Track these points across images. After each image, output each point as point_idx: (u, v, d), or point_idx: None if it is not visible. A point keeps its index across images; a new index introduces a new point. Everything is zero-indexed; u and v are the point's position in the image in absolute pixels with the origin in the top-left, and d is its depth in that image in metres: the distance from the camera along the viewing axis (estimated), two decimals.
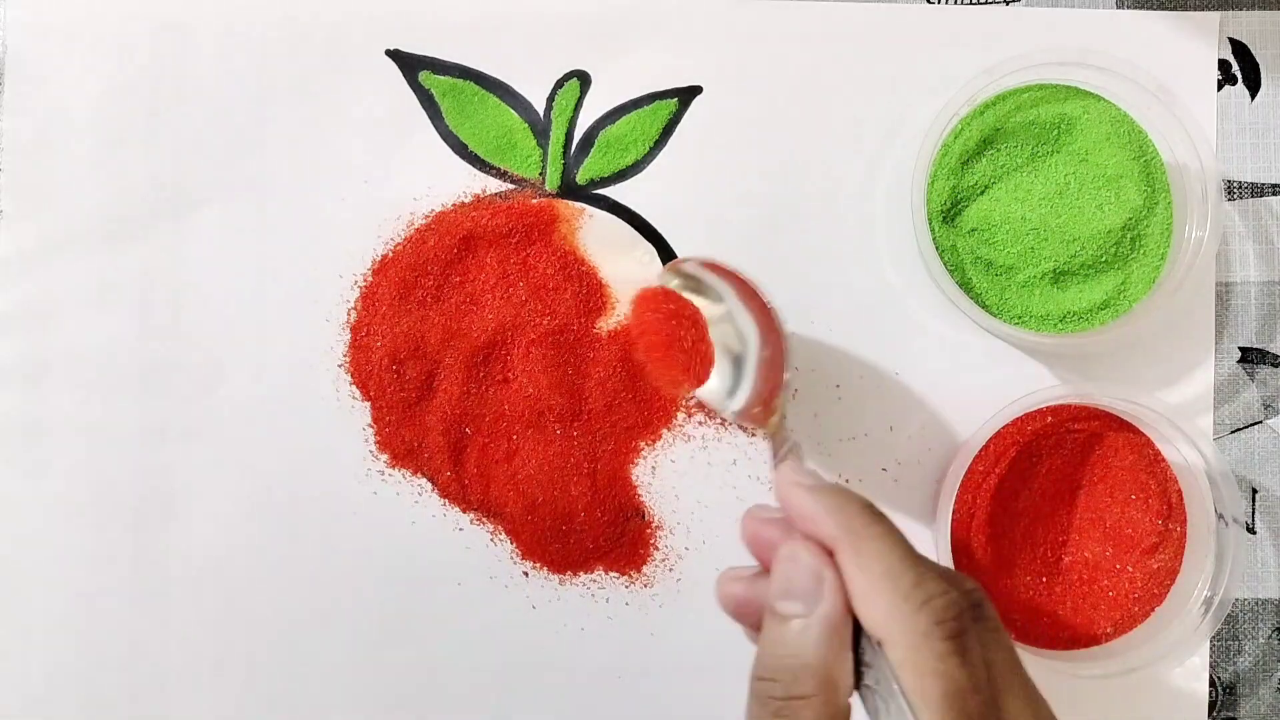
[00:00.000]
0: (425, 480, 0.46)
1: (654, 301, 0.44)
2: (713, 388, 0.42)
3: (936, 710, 0.27)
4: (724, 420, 0.45)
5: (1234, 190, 0.47)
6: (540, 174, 0.46)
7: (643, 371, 0.45)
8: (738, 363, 0.42)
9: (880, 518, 0.31)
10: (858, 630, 0.30)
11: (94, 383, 0.46)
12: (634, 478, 0.46)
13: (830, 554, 0.31)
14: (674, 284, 0.44)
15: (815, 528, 0.31)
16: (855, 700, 0.30)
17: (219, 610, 0.46)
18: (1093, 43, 0.46)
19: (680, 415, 0.46)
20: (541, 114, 0.46)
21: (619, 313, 0.46)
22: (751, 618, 0.33)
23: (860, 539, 0.30)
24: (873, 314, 0.46)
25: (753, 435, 0.46)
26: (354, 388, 0.46)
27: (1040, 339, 0.44)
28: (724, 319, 0.42)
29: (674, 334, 0.43)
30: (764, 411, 0.40)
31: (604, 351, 0.46)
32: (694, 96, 0.47)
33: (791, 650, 0.30)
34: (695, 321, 0.43)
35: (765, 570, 0.33)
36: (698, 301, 0.43)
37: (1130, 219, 0.44)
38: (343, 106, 0.46)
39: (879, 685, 0.29)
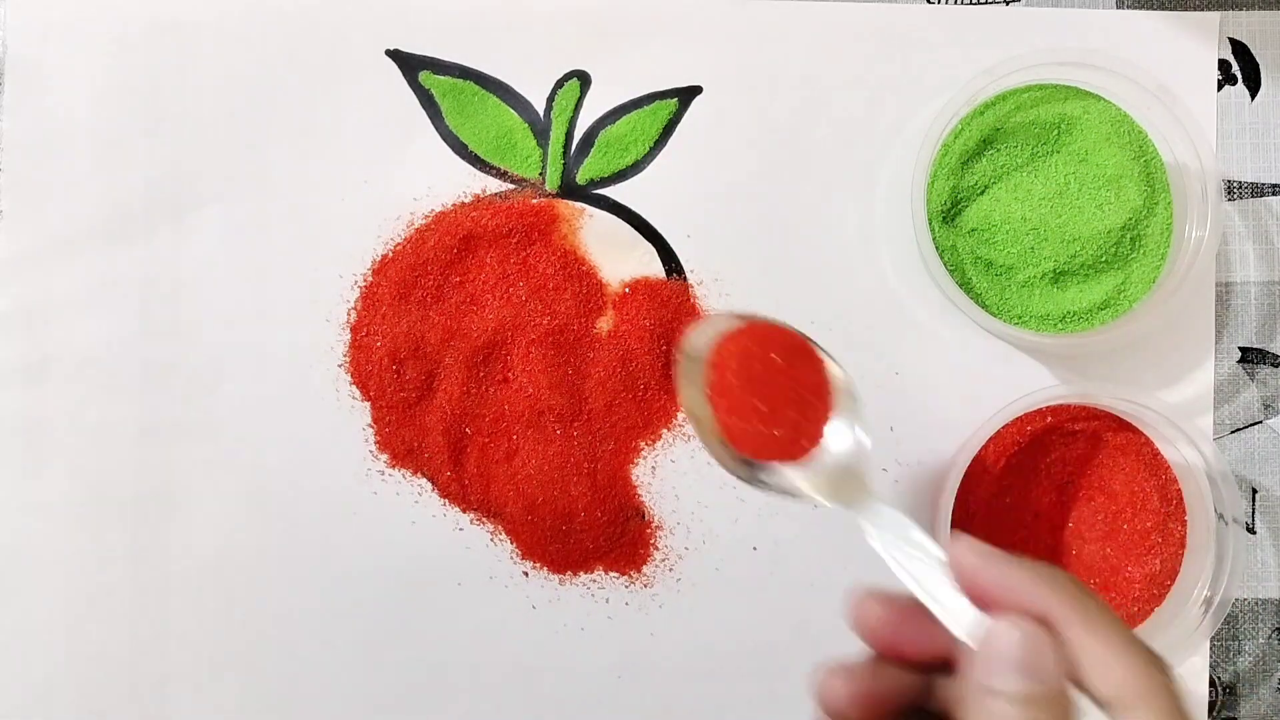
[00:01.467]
0: (425, 480, 0.46)
1: (759, 344, 0.35)
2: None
3: None
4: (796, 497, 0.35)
5: (1234, 190, 0.47)
6: (540, 174, 0.46)
7: (725, 434, 0.35)
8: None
9: (1087, 587, 0.31)
10: None
11: (94, 383, 0.46)
12: (634, 478, 0.46)
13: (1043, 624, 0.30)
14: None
15: (1021, 600, 0.30)
16: None
17: (219, 610, 0.46)
18: (1093, 43, 0.46)
19: (680, 415, 0.46)
20: (541, 114, 0.46)
21: (619, 314, 0.46)
22: (870, 713, 0.31)
23: (1087, 609, 0.30)
24: (873, 314, 0.46)
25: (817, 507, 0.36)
26: (354, 388, 0.46)
27: (1040, 339, 0.44)
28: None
29: (790, 389, 0.35)
30: (851, 491, 0.33)
31: (604, 351, 0.46)
32: (694, 96, 0.47)
33: None
34: (816, 372, 0.35)
35: (888, 657, 0.32)
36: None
37: (1130, 219, 0.44)
38: (343, 106, 0.46)
39: None
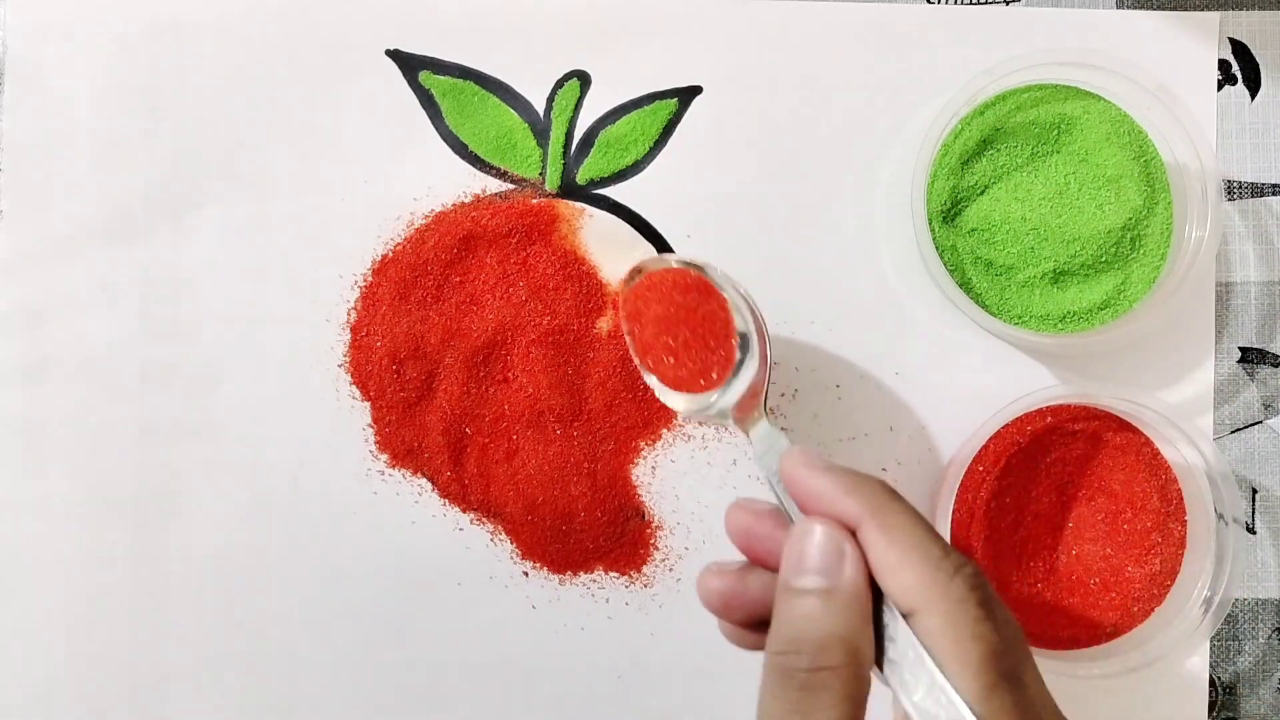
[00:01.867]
0: (425, 480, 0.46)
1: (668, 289, 0.41)
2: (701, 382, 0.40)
3: (977, 672, 0.28)
4: (701, 421, 0.44)
5: (1234, 190, 0.47)
6: (540, 174, 0.46)
7: (651, 367, 0.41)
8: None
9: (898, 494, 0.31)
10: (876, 605, 0.30)
11: (94, 383, 0.46)
12: (634, 478, 0.46)
13: (849, 531, 0.31)
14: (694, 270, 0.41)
15: (833, 507, 0.31)
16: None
17: (219, 610, 0.46)
18: (1093, 43, 0.46)
19: (681, 415, 0.46)
20: (541, 114, 0.46)
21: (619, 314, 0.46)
22: (737, 612, 0.33)
23: (886, 513, 0.30)
24: (873, 314, 0.46)
25: (730, 431, 0.44)
26: (354, 388, 0.46)
27: (1040, 339, 0.44)
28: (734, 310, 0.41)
29: (697, 327, 0.40)
30: (745, 413, 0.39)
31: (604, 351, 0.46)
32: (694, 96, 0.47)
33: (816, 623, 0.30)
34: (721, 313, 0.40)
35: (756, 562, 0.33)
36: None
37: (1130, 219, 0.44)
38: (343, 106, 0.46)
39: (903, 658, 0.29)
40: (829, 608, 0.30)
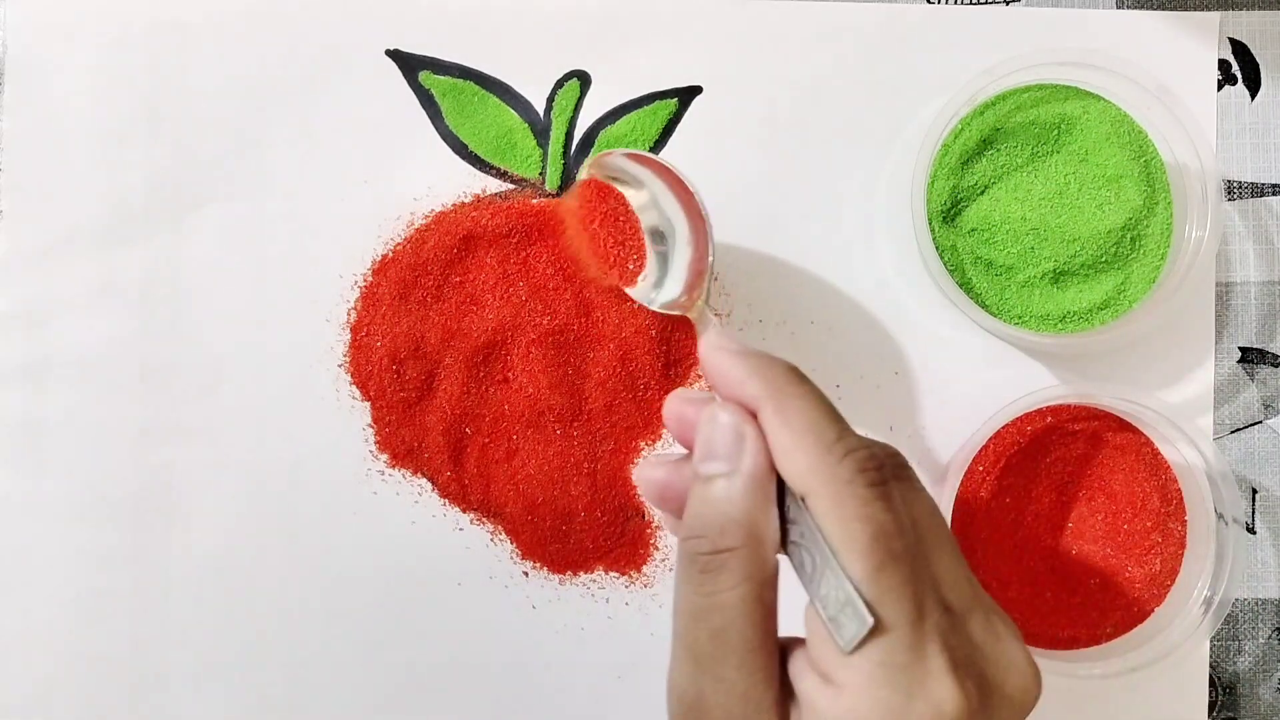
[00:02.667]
0: (425, 480, 0.46)
1: (580, 194, 0.44)
2: (639, 277, 0.42)
3: (864, 553, 0.28)
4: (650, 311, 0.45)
5: (1234, 190, 0.47)
6: (540, 174, 0.46)
7: (576, 262, 0.45)
8: (663, 253, 0.42)
9: (804, 379, 0.31)
10: (782, 490, 0.30)
11: (94, 383, 0.46)
12: (634, 477, 0.46)
13: (754, 416, 0.31)
14: (599, 175, 0.44)
15: (739, 390, 0.31)
16: (783, 562, 0.30)
17: (219, 610, 0.46)
18: (1093, 43, 0.46)
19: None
20: (541, 114, 0.46)
21: (619, 314, 0.46)
22: (673, 504, 0.33)
23: (784, 396, 0.30)
24: (873, 314, 0.46)
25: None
26: (354, 388, 0.46)
27: (1040, 339, 0.44)
28: (649, 206, 0.43)
29: (601, 225, 0.43)
30: (690, 299, 0.40)
31: (604, 351, 0.46)
32: (694, 96, 0.47)
33: (716, 507, 0.30)
34: (623, 212, 0.43)
35: (690, 453, 0.33)
36: (622, 191, 0.43)
37: (1130, 219, 0.44)
38: (343, 106, 0.46)
39: (804, 539, 0.29)
40: (729, 491, 0.30)
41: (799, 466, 0.29)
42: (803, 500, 0.29)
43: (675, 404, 0.34)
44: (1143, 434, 0.45)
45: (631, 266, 0.43)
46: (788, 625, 0.31)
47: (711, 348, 0.33)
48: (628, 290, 0.44)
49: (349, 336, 0.46)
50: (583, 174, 0.44)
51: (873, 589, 0.27)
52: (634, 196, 0.43)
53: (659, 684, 0.46)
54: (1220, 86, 0.47)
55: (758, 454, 0.30)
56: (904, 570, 0.28)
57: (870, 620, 0.27)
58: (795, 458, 0.29)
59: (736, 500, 0.30)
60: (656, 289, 0.42)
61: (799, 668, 0.29)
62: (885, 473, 0.29)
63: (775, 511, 0.30)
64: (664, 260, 0.42)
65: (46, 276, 0.46)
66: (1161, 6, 0.47)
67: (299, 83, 0.46)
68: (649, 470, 0.34)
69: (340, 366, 0.46)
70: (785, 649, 0.30)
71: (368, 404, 0.46)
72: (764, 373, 0.31)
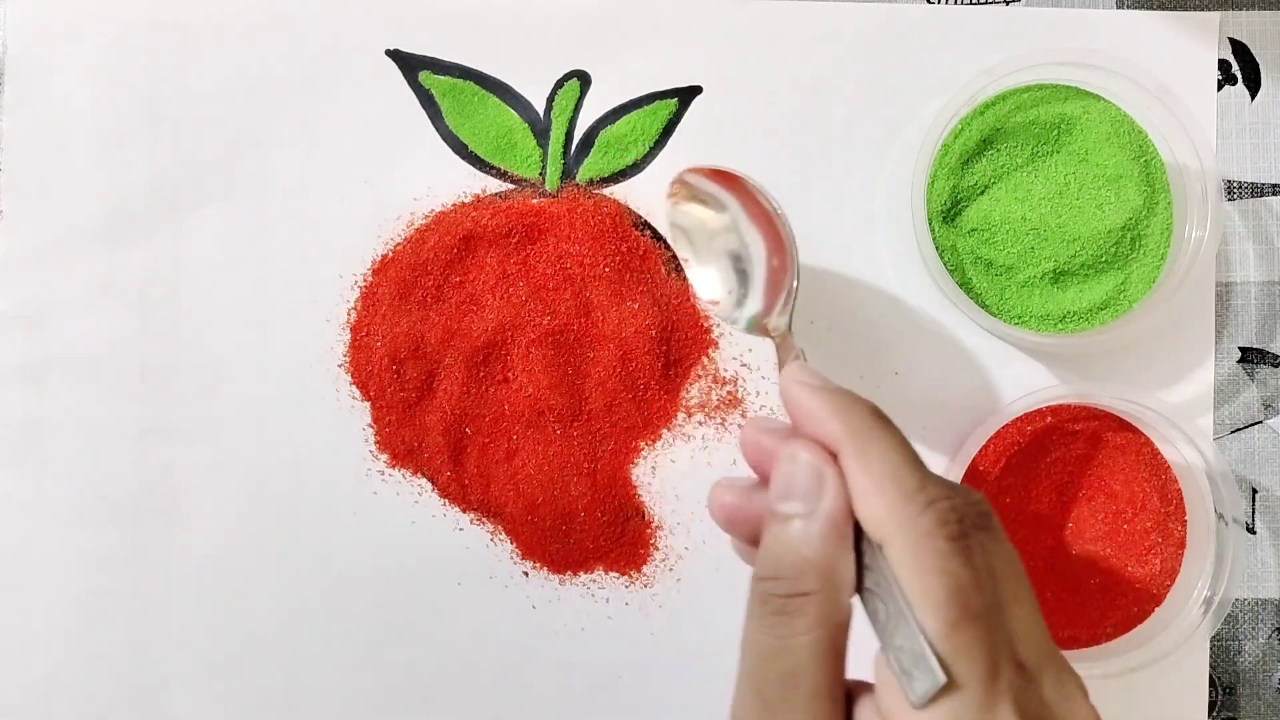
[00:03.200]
0: (425, 480, 0.46)
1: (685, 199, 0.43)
2: (720, 297, 0.41)
3: (940, 608, 0.27)
4: (733, 330, 0.45)
5: (1234, 190, 0.47)
6: (540, 174, 0.46)
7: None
8: (744, 272, 0.41)
9: (887, 421, 0.31)
10: (859, 533, 0.30)
11: (94, 383, 0.46)
12: (634, 478, 0.46)
13: (834, 455, 0.30)
14: (683, 198, 0.43)
15: (820, 428, 0.31)
16: (857, 605, 0.30)
17: (219, 610, 0.46)
18: (1093, 43, 0.46)
19: (680, 415, 0.46)
20: (541, 114, 0.46)
21: (619, 314, 0.46)
22: (743, 528, 0.33)
23: (865, 439, 0.30)
24: (873, 314, 0.46)
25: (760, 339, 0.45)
26: (354, 388, 0.46)
27: (1040, 339, 0.44)
28: (729, 228, 0.42)
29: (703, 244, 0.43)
30: (770, 321, 0.40)
31: (604, 351, 0.46)
32: (694, 96, 0.47)
33: (793, 548, 0.29)
34: (700, 234, 0.42)
35: (763, 481, 0.33)
36: (701, 212, 0.42)
37: (1130, 219, 0.44)
38: (343, 106, 0.46)
39: (879, 588, 0.29)
40: (806, 534, 0.29)
41: (878, 514, 0.29)
42: (880, 548, 0.29)
43: (752, 433, 0.33)
44: (1143, 434, 0.45)
45: (716, 288, 0.42)
46: (856, 668, 0.30)
47: (792, 380, 0.32)
48: (711, 311, 0.43)
49: (349, 336, 0.46)
50: (669, 194, 0.43)
51: (947, 645, 0.27)
52: (715, 219, 0.42)
53: (659, 684, 0.46)
54: (1220, 86, 0.47)
55: (837, 497, 0.30)
56: (980, 628, 0.27)
57: (943, 677, 0.26)
58: (874, 504, 0.29)
59: (814, 543, 0.29)
60: (739, 308, 0.41)
61: (865, 715, 0.29)
62: (966, 525, 0.28)
63: (852, 557, 0.29)
64: (745, 279, 0.41)
65: (46, 276, 0.46)
66: (1161, 6, 0.47)
67: (299, 83, 0.46)
68: (723, 495, 0.33)
69: (340, 366, 0.46)
70: (852, 693, 0.30)
71: (368, 404, 0.46)
72: (846, 413, 0.30)
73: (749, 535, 0.33)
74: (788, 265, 0.40)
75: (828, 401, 0.31)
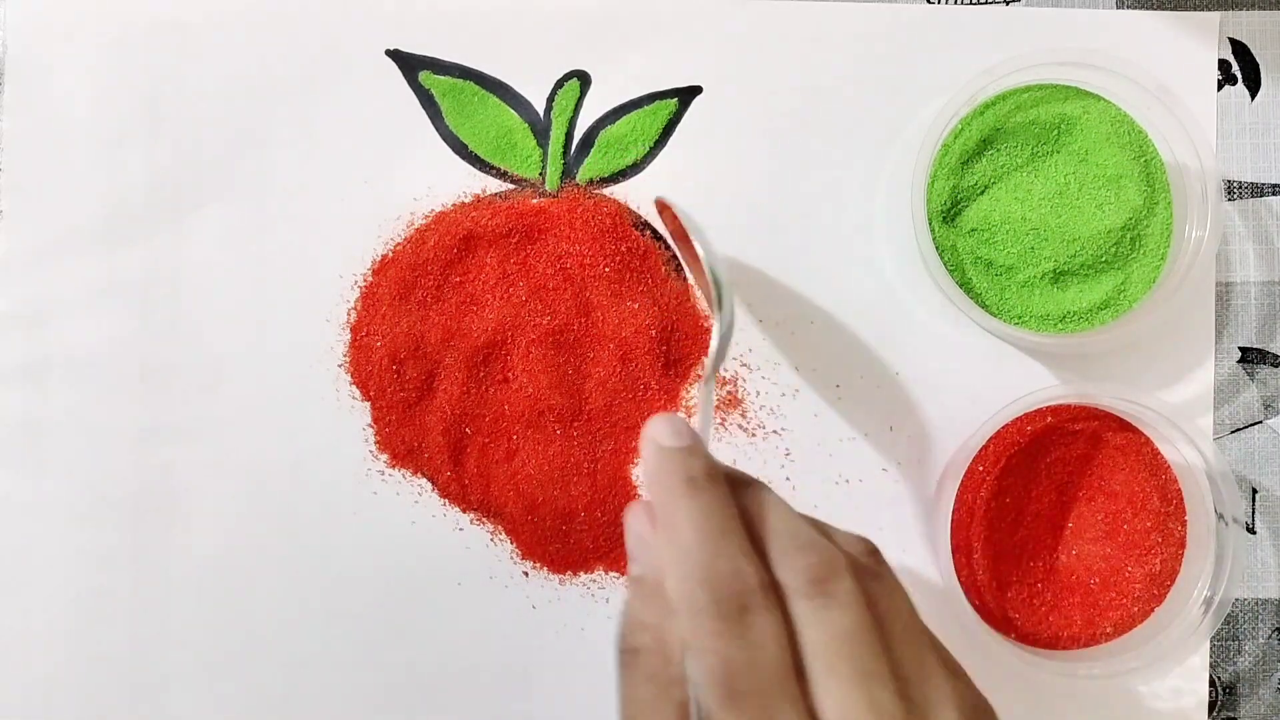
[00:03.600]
0: (425, 480, 0.46)
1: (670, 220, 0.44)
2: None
3: (705, 686, 0.27)
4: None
5: (1234, 190, 0.47)
6: (540, 174, 0.46)
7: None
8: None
9: (704, 487, 0.30)
10: None
11: (94, 383, 0.46)
12: (634, 478, 0.46)
13: None
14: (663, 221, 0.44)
15: (650, 491, 0.31)
16: None
17: (219, 610, 0.46)
18: (1093, 43, 0.46)
19: (680, 415, 0.46)
20: (541, 114, 0.46)
21: (619, 314, 0.46)
22: None
23: (673, 510, 0.30)
24: (873, 314, 0.46)
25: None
26: (354, 388, 0.46)
27: (1040, 339, 0.44)
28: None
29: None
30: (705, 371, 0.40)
31: (604, 351, 0.46)
32: (694, 96, 0.47)
33: (630, 606, 0.31)
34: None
35: None
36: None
37: (1130, 219, 0.44)
38: (343, 106, 0.46)
39: None
40: (640, 595, 0.31)
41: (670, 588, 0.29)
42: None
43: (646, 447, 0.33)
44: (1143, 434, 0.45)
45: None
46: None
47: (645, 437, 0.32)
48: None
49: (349, 336, 0.46)
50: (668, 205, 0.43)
51: None
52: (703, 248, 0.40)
53: None
54: (1220, 86, 0.47)
55: (656, 563, 0.30)
56: (751, 706, 0.27)
57: None
58: (669, 578, 0.29)
59: (645, 602, 0.30)
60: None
61: None
62: (747, 601, 0.28)
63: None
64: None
65: (46, 276, 0.46)
66: (1161, 6, 0.47)
67: (299, 83, 0.46)
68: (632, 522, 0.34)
69: (340, 366, 0.46)
70: None
71: (368, 404, 0.46)
72: (665, 479, 0.31)
73: None
74: (713, 319, 0.39)
75: (658, 463, 0.31)
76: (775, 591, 0.29)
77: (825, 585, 0.29)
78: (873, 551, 0.31)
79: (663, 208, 0.43)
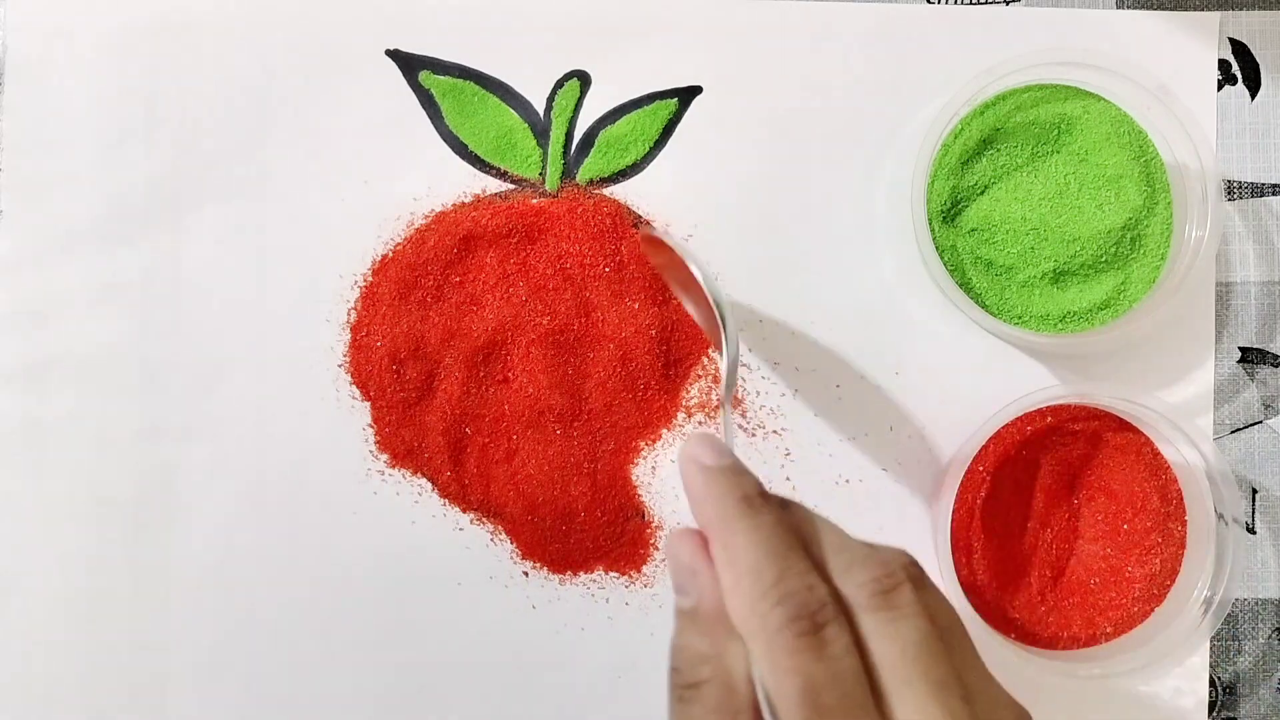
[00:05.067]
0: (425, 480, 0.46)
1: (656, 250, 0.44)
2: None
3: (789, 707, 0.27)
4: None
5: (1234, 190, 0.47)
6: (540, 174, 0.46)
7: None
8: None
9: (758, 508, 0.30)
10: None
11: (94, 383, 0.46)
12: (634, 478, 0.46)
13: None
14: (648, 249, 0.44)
15: (699, 512, 0.31)
16: None
17: (219, 610, 0.46)
18: (1093, 43, 0.46)
19: (680, 415, 0.46)
20: (541, 114, 0.46)
21: (619, 314, 0.46)
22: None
23: (731, 531, 0.29)
24: (873, 314, 0.46)
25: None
26: (354, 388, 0.46)
27: (1040, 339, 0.44)
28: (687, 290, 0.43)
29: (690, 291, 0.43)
30: (722, 394, 0.39)
31: (604, 351, 0.46)
32: (694, 96, 0.47)
33: (684, 640, 0.30)
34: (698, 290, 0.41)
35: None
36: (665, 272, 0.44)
37: (1130, 219, 0.44)
38: (343, 106, 0.46)
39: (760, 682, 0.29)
40: (693, 627, 0.30)
41: (738, 611, 0.29)
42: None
43: (687, 465, 0.32)
44: (1143, 434, 0.45)
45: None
46: None
47: (685, 458, 0.32)
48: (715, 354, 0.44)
49: (349, 336, 0.46)
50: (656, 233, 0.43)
51: None
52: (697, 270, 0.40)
53: (659, 684, 0.46)
54: (1220, 86, 0.47)
55: (710, 593, 0.29)
56: None
57: None
58: (734, 601, 0.29)
59: (702, 635, 0.29)
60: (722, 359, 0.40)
61: None
62: (822, 616, 0.28)
63: (742, 643, 0.29)
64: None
65: (46, 276, 0.46)
66: (1161, 6, 0.47)
67: (299, 83, 0.46)
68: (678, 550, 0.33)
69: (340, 366, 0.46)
70: None
71: (368, 404, 0.46)
72: (720, 500, 0.30)
73: None
74: (719, 344, 0.39)
75: (706, 484, 0.31)
76: (841, 605, 0.29)
77: (890, 598, 0.29)
78: (915, 563, 0.31)
79: (649, 239, 0.43)
